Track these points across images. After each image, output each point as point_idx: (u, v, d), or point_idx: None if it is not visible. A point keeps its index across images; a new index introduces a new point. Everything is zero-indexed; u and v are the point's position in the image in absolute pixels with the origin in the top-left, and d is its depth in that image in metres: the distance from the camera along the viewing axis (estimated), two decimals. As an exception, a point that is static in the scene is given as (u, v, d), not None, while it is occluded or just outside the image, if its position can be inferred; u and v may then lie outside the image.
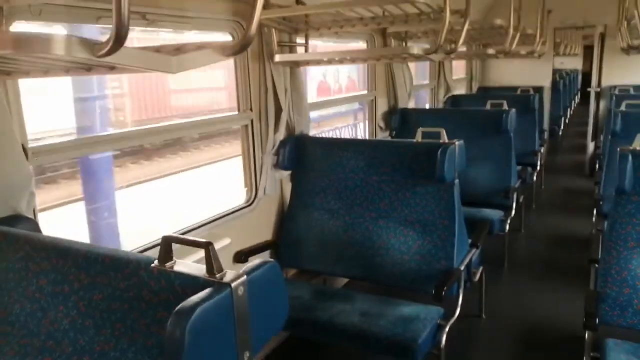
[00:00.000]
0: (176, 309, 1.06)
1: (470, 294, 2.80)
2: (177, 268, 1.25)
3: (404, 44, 4.55)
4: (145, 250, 2.23)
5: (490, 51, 4.31)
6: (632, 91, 5.66)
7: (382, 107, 4.42)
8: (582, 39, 14.97)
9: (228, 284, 1.13)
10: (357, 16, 2.82)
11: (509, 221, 3.86)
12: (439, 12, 2.38)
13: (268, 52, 2.78)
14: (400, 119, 4.41)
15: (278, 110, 2.89)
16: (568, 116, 10.42)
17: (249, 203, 2.86)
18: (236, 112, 2.82)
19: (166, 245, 1.26)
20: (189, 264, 1.25)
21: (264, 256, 2.93)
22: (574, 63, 14.14)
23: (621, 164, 2.22)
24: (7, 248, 1.53)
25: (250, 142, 2.85)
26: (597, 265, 2.57)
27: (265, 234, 2.99)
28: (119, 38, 0.92)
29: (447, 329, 2.37)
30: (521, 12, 4.20)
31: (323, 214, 2.91)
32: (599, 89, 6.60)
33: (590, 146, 6.77)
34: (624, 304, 2.19)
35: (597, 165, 5.12)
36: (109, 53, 0.95)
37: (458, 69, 6.99)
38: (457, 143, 2.65)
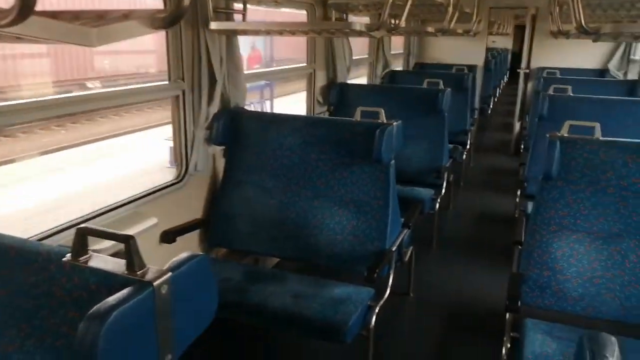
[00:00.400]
0: (89, 312, 0.95)
1: (399, 273, 2.84)
2: (92, 263, 1.13)
3: (345, 16, 4.46)
4: (56, 233, 2.05)
5: (430, 29, 4.31)
6: (558, 74, 5.91)
7: (321, 81, 4.33)
8: (513, 19, 15.53)
9: (150, 283, 1.03)
10: None
11: (439, 200, 3.95)
12: None
13: (203, 18, 2.59)
14: (339, 94, 4.35)
15: (212, 81, 2.73)
16: (497, 95, 10.82)
17: (179, 179, 2.71)
18: (166, 82, 2.63)
19: (81, 237, 1.13)
20: (107, 258, 1.13)
21: (193, 236, 2.81)
22: (505, 42, 14.65)
23: (550, 150, 2.28)
24: None
25: (181, 115, 2.68)
26: (520, 247, 2.68)
27: (196, 212, 2.86)
28: (26, 5, 0.77)
29: (376, 310, 2.39)
30: None
31: (257, 192, 2.82)
32: (527, 71, 6.85)
33: (517, 126, 7.06)
34: (543, 286, 2.29)
35: (522, 146, 5.35)
36: (13, 23, 0.80)
37: (396, 44, 7.01)
38: (395, 124, 2.62)
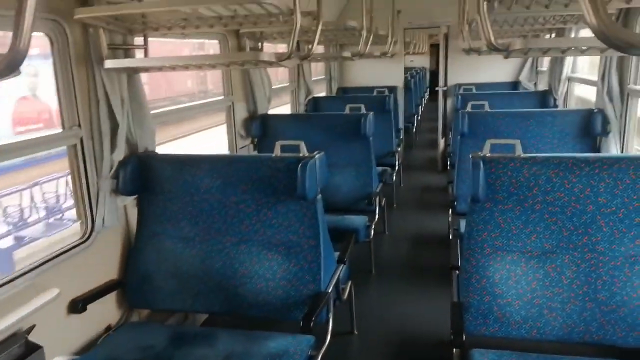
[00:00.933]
0: None
1: (340, 312, 2.67)
2: None
3: (259, 45, 4.33)
4: None
5: (346, 54, 4.27)
6: (474, 90, 6.09)
7: (241, 113, 4.15)
8: (428, 38, 16.21)
9: None
10: (204, 15, 2.51)
11: (373, 226, 3.85)
12: (289, 14, 2.17)
13: (97, 55, 2.34)
14: (262, 126, 4.18)
15: (114, 125, 2.47)
16: (420, 113, 11.11)
17: (85, 238, 2.40)
18: (60, 130, 2.34)
19: None
20: None
21: (109, 299, 2.50)
22: (422, 61, 15.23)
23: (474, 171, 2.22)
24: None
25: (81, 165, 2.39)
26: (457, 272, 2.60)
27: (109, 273, 2.55)
28: None
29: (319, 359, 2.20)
30: (373, 14, 4.22)
31: (176, 243, 2.56)
32: (445, 88, 7.04)
33: (441, 143, 7.20)
34: (485, 313, 2.20)
35: (448, 162, 5.42)
36: None
37: (317, 69, 6.99)
38: (317, 156, 2.48)
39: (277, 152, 2.54)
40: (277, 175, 2.46)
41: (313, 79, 6.12)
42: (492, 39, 1.97)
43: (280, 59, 2.22)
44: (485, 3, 1.92)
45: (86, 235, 2.41)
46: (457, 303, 2.27)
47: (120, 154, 2.51)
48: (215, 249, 2.52)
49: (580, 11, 2.28)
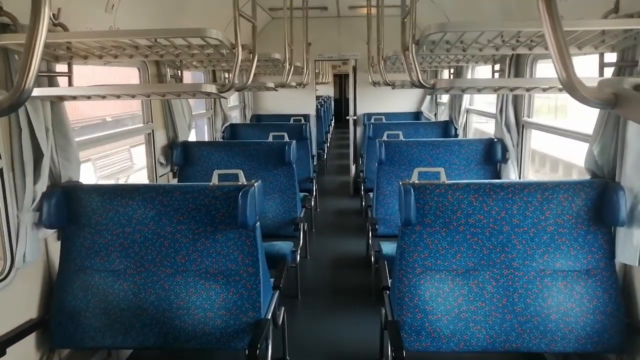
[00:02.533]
0: None
1: (274, 338, 2.70)
2: None
3: (179, 72, 4.29)
4: None
5: (270, 84, 4.38)
6: (384, 119, 6.48)
7: (161, 140, 4.05)
8: (331, 68, 16.86)
9: None
10: (130, 43, 2.48)
11: (299, 251, 3.93)
12: (230, 48, 2.23)
13: None
14: (183, 153, 4.12)
15: (38, 155, 2.33)
16: (329, 140, 11.48)
17: (4, 276, 2.21)
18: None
19: None
20: None
21: (29, 341, 2.31)
22: (327, 90, 15.80)
23: (405, 197, 2.40)
24: None
25: (0, 197, 2.22)
26: (388, 292, 2.75)
27: (30, 311, 2.36)
28: None
29: None
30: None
31: (105, 277, 2.45)
32: (355, 117, 7.39)
33: (352, 169, 7.51)
34: (418, 329, 2.36)
35: (362, 187, 5.68)
36: None
37: (231, 97, 7.01)
38: (255, 184, 2.53)
39: (215, 181, 2.55)
40: (215, 204, 2.47)
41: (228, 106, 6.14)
42: (420, 76, 2.17)
43: (221, 91, 2.26)
44: (413, 46, 2.13)
45: (5, 272, 2.23)
46: (392, 322, 2.40)
47: (43, 185, 2.38)
48: (148, 282, 2.44)
49: (478, 53, 2.58)
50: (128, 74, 4.37)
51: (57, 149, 2.49)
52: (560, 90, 2.34)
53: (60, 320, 2.40)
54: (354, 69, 7.42)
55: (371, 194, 4.48)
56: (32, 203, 2.32)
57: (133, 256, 2.46)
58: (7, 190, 2.23)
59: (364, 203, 5.42)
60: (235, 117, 7.03)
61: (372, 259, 3.97)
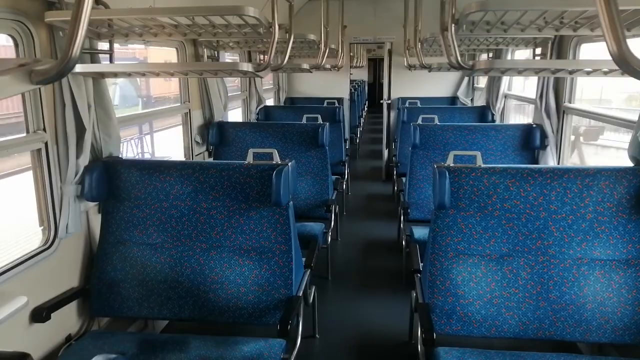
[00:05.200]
0: None
1: (304, 316, 2.74)
2: None
3: (216, 53, 4.33)
4: None
5: (305, 65, 4.37)
6: (419, 104, 6.39)
7: (198, 120, 4.12)
8: (366, 52, 16.68)
9: None
10: (169, 22, 2.52)
11: (330, 232, 3.95)
12: (267, 27, 2.24)
13: None
14: (218, 133, 4.18)
15: (81, 129, 2.40)
16: (361, 125, 11.42)
17: (48, 245, 2.31)
18: (23, 134, 2.25)
19: None
20: None
21: (71, 308, 2.42)
22: (361, 74, 15.67)
23: (440, 180, 2.37)
24: None
25: (45, 170, 2.31)
26: (419, 275, 2.74)
27: (72, 280, 2.47)
28: None
29: None
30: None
31: (143, 250, 2.53)
32: (389, 101, 7.31)
33: (385, 154, 7.46)
34: (449, 313, 2.35)
35: (394, 172, 5.64)
36: None
37: (265, 79, 7.04)
38: (290, 164, 2.55)
39: (250, 159, 2.58)
40: (249, 182, 2.50)
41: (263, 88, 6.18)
42: (459, 57, 2.13)
43: (257, 70, 2.28)
44: (452, 25, 2.08)
45: (49, 242, 2.33)
46: (423, 304, 2.40)
47: (85, 159, 2.46)
48: (184, 256, 2.51)
49: (519, 35, 2.51)
50: (166, 59, 4.45)
51: (98, 125, 2.56)
52: (605, 73, 2.25)
53: (100, 289, 2.49)
54: (390, 52, 7.32)
55: (403, 179, 4.45)
56: (75, 176, 2.41)
57: (170, 230, 2.53)
58: (51, 163, 2.32)
59: (395, 188, 5.39)
60: (270, 99, 7.07)
61: (403, 243, 3.96)
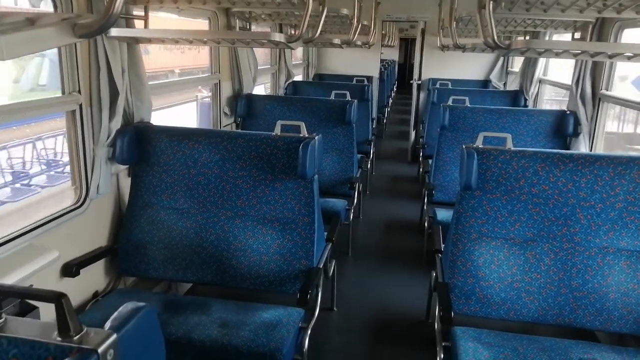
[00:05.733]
0: None
1: (323, 288, 2.78)
2: (10, 330, 0.89)
3: (247, 24, 4.33)
4: None
5: (336, 41, 4.33)
6: (450, 85, 6.28)
7: (227, 91, 4.15)
8: (398, 32, 16.41)
9: (94, 350, 0.84)
10: None
11: (352, 210, 3.97)
12: None
13: None
14: (247, 106, 4.20)
15: (114, 93, 2.45)
16: (389, 105, 11.30)
17: (79, 204, 2.39)
18: (59, 95, 2.31)
19: None
20: (27, 321, 0.91)
21: (99, 266, 2.50)
22: (391, 54, 15.44)
23: (468, 161, 2.35)
24: None
25: (79, 131, 2.37)
26: (440, 255, 2.74)
27: (100, 239, 2.55)
28: None
29: (309, 332, 2.30)
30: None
31: (170, 214, 2.59)
32: (420, 82, 7.20)
33: (412, 135, 7.39)
34: (468, 293, 2.35)
35: (421, 153, 5.59)
36: None
37: (295, 54, 7.00)
38: (316, 137, 2.55)
39: (278, 131, 2.60)
40: (276, 153, 2.52)
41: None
42: (495, 37, 2.09)
43: (289, 41, 2.27)
44: (491, 3, 2.03)
45: (80, 201, 2.40)
46: (442, 283, 2.40)
47: (117, 122, 2.51)
48: (210, 222, 2.56)
49: (559, 17, 2.42)
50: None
51: (131, 90, 2.60)
52: None
53: (127, 249, 2.57)
54: (423, 31, 7.18)
55: (430, 161, 4.42)
56: (107, 139, 2.46)
57: (196, 197, 2.58)
58: (85, 124, 2.37)
59: (421, 169, 5.36)
60: (299, 75, 7.04)
61: (426, 225, 3.95)
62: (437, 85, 6.24)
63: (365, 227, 4.78)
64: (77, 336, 0.86)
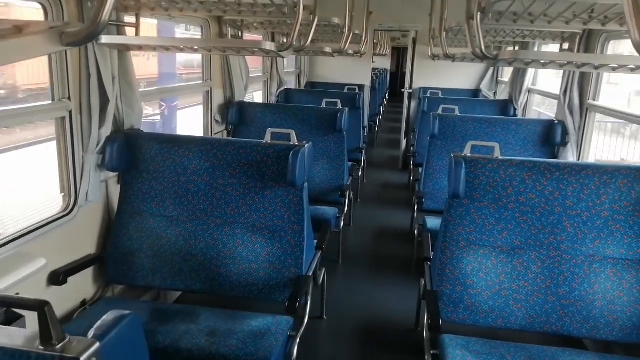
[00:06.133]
0: None
1: (313, 296, 2.77)
2: None
3: (240, 33, 4.35)
4: None
5: (327, 49, 4.36)
6: (440, 94, 6.33)
7: (218, 99, 4.15)
8: (390, 41, 16.52)
9: (76, 359, 0.84)
10: None
11: (343, 218, 3.98)
12: (292, 7, 2.24)
13: None
14: (238, 113, 4.21)
15: (104, 100, 2.45)
16: (381, 113, 11.36)
17: (67, 212, 2.38)
18: (49, 102, 2.30)
19: None
20: (10, 330, 0.91)
21: (87, 274, 2.49)
22: (383, 63, 15.53)
23: (456, 169, 2.37)
24: None
25: (68, 138, 2.36)
26: (429, 263, 2.75)
27: (88, 247, 2.53)
28: None
29: (297, 340, 2.29)
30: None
31: (159, 222, 2.58)
32: (411, 90, 7.25)
33: (403, 143, 7.42)
34: (457, 301, 2.36)
35: (411, 161, 5.62)
36: None
37: (286, 62, 7.03)
38: (306, 145, 2.56)
39: (268, 139, 2.61)
40: (266, 161, 2.53)
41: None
42: (483, 47, 2.11)
43: (280, 50, 2.29)
44: (478, 14, 2.06)
45: (69, 209, 2.39)
46: (431, 291, 2.41)
47: (107, 130, 2.51)
48: (199, 230, 2.55)
49: (546, 28, 2.46)
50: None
51: (121, 97, 2.60)
52: (632, 70, 2.22)
53: (115, 257, 2.56)
54: (414, 40, 7.24)
55: (420, 169, 4.44)
56: (97, 146, 2.46)
57: (186, 204, 2.57)
58: (74, 131, 2.37)
59: (412, 177, 5.39)
60: (291, 83, 7.07)
61: (416, 232, 3.97)
62: (428, 94, 6.29)
63: (356, 234, 4.79)
64: (60, 345, 0.86)
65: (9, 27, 0.94)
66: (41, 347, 0.86)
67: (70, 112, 2.34)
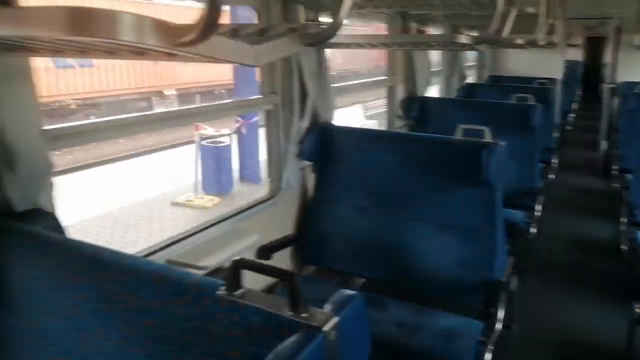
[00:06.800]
0: None
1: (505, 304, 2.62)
2: (250, 300, 1.03)
3: (422, 27, 4.32)
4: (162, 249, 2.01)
5: (520, 41, 4.09)
6: None
7: (401, 94, 4.19)
8: (584, 30, 14.82)
9: (319, 329, 0.92)
10: None
11: (535, 223, 3.67)
12: None
13: None
14: (420, 108, 4.18)
15: (304, 95, 2.65)
16: (574, 110, 10.26)
17: (271, 195, 2.63)
18: (260, 96, 2.58)
19: (235, 271, 1.06)
20: (262, 295, 1.05)
21: (286, 252, 2.72)
22: (573, 54, 13.98)
23: None
24: (36, 252, 1.32)
25: (273, 129, 2.62)
26: None
27: (287, 228, 2.76)
28: (211, 22, 0.67)
29: (491, 347, 2.18)
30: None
31: (350, 211, 2.69)
32: (614, 85, 6.40)
33: (603, 145, 6.58)
34: None
35: (615, 166, 4.94)
36: (193, 42, 0.70)
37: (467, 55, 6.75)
38: (502, 144, 2.43)
39: (459, 135, 2.54)
40: (458, 158, 2.46)
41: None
42: None
43: (476, 42, 2.21)
44: None
45: (273, 193, 2.64)
46: None
47: (306, 122, 2.70)
48: (388, 223, 2.58)
49: None
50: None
51: (318, 92, 2.79)
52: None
53: (310, 240, 2.73)
54: (619, 29, 6.37)
55: (627, 175, 3.90)
56: (297, 137, 2.68)
57: (375, 197, 2.63)
58: (280, 123, 2.61)
59: (616, 184, 4.75)
60: (471, 76, 6.78)
61: (624, 247, 3.50)
62: (637, 90, 5.48)
63: (548, 242, 4.38)
64: (304, 314, 0.96)
65: (255, 31, 1.09)
66: (289, 313, 0.97)
67: (276, 105, 2.58)
